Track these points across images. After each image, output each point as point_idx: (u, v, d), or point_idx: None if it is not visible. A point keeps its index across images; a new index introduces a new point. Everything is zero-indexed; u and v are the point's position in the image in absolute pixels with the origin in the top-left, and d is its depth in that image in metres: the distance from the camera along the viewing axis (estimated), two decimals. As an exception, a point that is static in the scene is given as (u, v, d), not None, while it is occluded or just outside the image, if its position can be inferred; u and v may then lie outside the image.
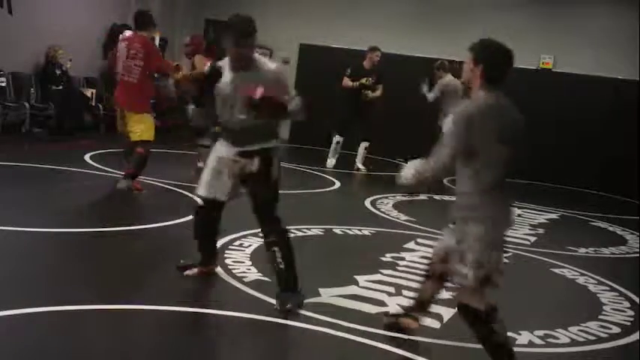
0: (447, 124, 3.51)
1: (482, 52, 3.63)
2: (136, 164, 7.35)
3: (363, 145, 10.94)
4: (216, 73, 4.46)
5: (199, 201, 4.72)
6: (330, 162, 10.88)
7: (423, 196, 9.12)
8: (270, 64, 4.46)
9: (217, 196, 4.59)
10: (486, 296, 3.47)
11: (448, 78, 10.12)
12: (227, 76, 4.43)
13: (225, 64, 4.48)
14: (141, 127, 7.32)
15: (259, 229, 4.59)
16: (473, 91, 3.64)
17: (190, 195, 7.35)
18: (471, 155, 3.40)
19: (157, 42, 12.71)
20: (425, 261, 5.83)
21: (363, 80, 10.40)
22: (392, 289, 4.98)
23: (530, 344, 4.28)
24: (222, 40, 4.39)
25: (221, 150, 4.58)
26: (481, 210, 3.43)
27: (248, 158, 4.45)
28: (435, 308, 4.67)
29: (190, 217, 6.45)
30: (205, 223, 4.79)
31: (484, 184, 3.43)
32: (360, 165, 11.03)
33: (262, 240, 4.62)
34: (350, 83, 10.43)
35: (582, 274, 6.03)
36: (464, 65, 3.71)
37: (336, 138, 10.83)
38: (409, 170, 3.60)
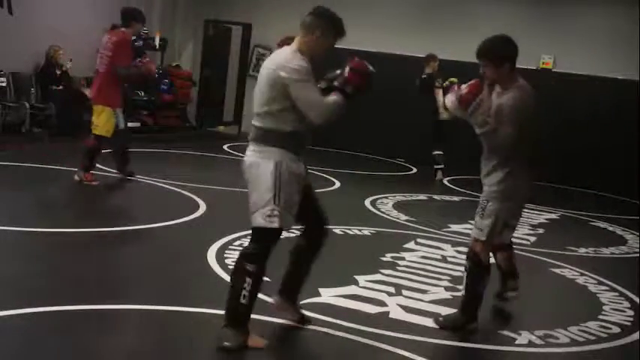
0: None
1: (502, 51, 4.05)
2: (85, 157, 7.46)
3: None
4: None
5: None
6: (439, 174, 10.50)
7: (422, 196, 9.12)
8: None
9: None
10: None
11: None
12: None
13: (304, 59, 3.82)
14: (99, 121, 7.43)
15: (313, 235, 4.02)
16: (505, 87, 4.08)
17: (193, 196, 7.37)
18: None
19: (156, 41, 12.78)
20: (425, 261, 5.86)
21: (453, 79, 10.10)
22: (392, 289, 4.98)
23: (530, 344, 4.28)
24: (317, 29, 3.87)
25: (292, 166, 3.67)
26: None
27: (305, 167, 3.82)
28: (435, 308, 4.68)
29: (190, 216, 6.57)
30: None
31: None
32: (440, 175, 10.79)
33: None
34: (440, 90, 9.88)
35: (582, 274, 6.02)
36: (484, 70, 4.05)
37: (436, 152, 10.50)
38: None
